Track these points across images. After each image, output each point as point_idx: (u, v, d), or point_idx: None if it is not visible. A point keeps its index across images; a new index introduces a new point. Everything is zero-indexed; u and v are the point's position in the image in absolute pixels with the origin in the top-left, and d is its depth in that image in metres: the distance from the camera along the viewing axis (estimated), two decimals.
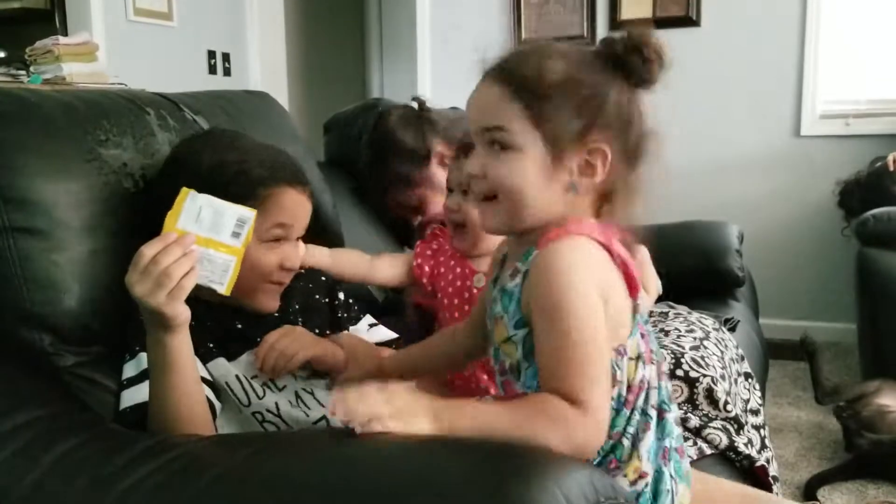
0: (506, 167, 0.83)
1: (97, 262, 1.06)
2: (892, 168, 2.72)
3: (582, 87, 0.82)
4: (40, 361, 1.01)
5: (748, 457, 1.23)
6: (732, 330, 1.72)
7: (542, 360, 0.79)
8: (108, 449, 0.85)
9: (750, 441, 1.28)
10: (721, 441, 1.23)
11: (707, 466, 1.19)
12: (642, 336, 0.86)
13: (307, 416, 1.08)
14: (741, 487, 1.11)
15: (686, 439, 1.22)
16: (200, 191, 1.06)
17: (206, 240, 0.94)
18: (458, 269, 1.38)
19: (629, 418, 0.84)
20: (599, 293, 0.79)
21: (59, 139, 1.07)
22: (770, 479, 1.25)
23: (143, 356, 1.02)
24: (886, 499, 1.60)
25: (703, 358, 1.37)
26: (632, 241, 0.88)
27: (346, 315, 1.26)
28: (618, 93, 0.83)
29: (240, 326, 1.11)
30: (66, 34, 3.57)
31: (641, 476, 0.83)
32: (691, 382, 1.32)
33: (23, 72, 3.40)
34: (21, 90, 1.10)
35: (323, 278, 1.28)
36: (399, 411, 0.74)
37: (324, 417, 1.08)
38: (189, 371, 0.95)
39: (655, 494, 0.84)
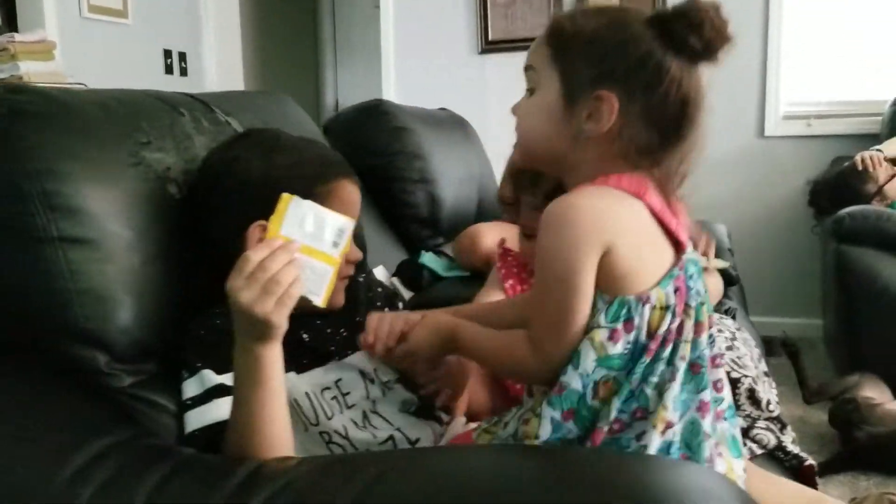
0: (526, 104, 0.91)
1: (148, 274, 0.99)
2: (860, 167, 2.81)
3: (608, 39, 0.85)
4: (95, 382, 0.94)
5: (797, 456, 1.24)
6: (733, 318, 1.74)
7: (530, 300, 0.89)
8: (202, 480, 0.80)
9: (794, 440, 1.29)
10: (769, 441, 1.24)
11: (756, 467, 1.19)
12: (677, 290, 0.85)
13: (374, 437, 1.03)
14: (805, 490, 1.12)
15: None
16: (255, 197, 1.01)
17: (308, 248, 0.89)
18: None
19: (650, 367, 0.83)
20: (597, 240, 0.80)
21: (101, 142, 1.00)
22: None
23: (206, 373, 0.96)
24: (884, 490, 1.64)
25: (739, 358, 1.38)
26: (676, 203, 0.88)
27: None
28: (651, 54, 0.83)
29: (306, 337, 1.05)
30: (11, 31, 3.40)
31: (669, 426, 0.82)
32: (733, 383, 1.31)
33: None
34: (52, 89, 1.02)
35: (380, 289, 1.24)
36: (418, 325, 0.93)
37: (391, 438, 1.04)
38: (279, 387, 0.89)
39: (689, 445, 0.84)
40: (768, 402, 1.31)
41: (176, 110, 1.15)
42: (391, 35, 4.06)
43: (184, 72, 4.12)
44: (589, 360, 0.82)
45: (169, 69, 4.03)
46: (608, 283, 0.82)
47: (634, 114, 0.84)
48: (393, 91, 4.03)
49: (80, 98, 1.03)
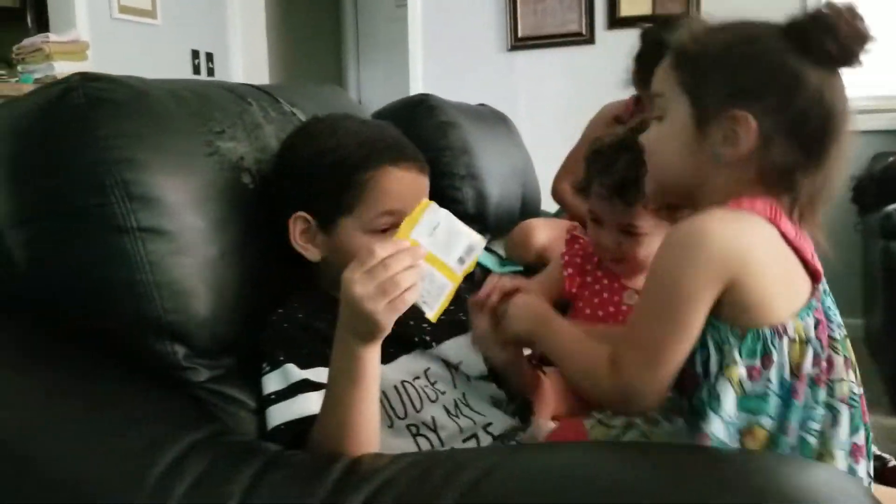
0: (654, 132, 0.86)
1: (225, 266, 0.96)
2: None
3: (737, 54, 0.80)
4: (172, 376, 0.92)
5: (879, 457, 1.19)
6: None
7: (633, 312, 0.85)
8: (297, 477, 0.76)
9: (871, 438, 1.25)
10: None
11: None
12: (818, 323, 0.81)
13: (461, 429, 1.00)
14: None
15: None
16: (300, 187, 1.01)
17: (434, 257, 0.86)
18: (607, 282, 1.24)
19: (807, 412, 0.79)
20: (721, 273, 0.76)
21: (177, 131, 0.97)
22: None
23: (290, 367, 0.93)
24: None
25: None
26: (812, 232, 0.84)
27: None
28: (786, 65, 0.79)
29: (394, 327, 1.02)
30: (39, 32, 3.40)
31: None
32: None
33: (3, 72, 3.22)
34: (126, 77, 0.99)
35: None
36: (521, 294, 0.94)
37: (474, 435, 1.00)
38: (374, 389, 0.86)
39: None
40: None
41: (244, 100, 1.12)
42: (419, 33, 4.04)
43: (211, 72, 4.12)
44: (729, 401, 0.78)
45: (196, 69, 4.03)
46: (736, 315, 0.77)
47: (773, 132, 0.79)
48: (420, 90, 4.01)
49: (154, 87, 1.00)
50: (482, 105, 2.48)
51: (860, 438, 0.82)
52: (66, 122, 0.91)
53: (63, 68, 2.95)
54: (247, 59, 4.34)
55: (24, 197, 0.92)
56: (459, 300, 1.15)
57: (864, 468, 0.82)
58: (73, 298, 0.92)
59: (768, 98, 0.78)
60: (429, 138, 1.87)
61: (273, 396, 0.92)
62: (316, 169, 1.01)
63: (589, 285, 1.25)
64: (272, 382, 0.93)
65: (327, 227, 1.02)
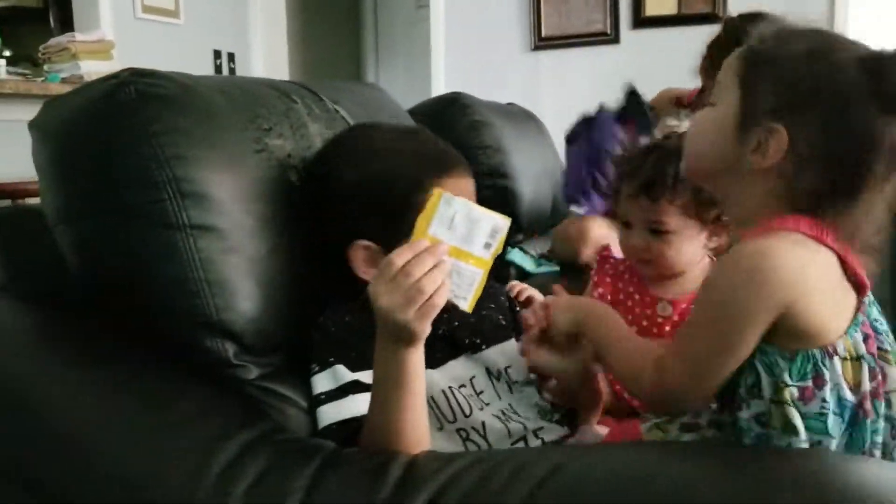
0: (703, 113, 0.86)
1: (273, 264, 0.95)
2: None
3: (801, 67, 0.77)
4: (222, 373, 0.91)
5: None
6: None
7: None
8: (357, 476, 0.75)
9: None
10: None
11: None
12: (867, 337, 0.79)
13: (510, 434, 0.98)
14: None
15: None
16: (348, 213, 0.98)
17: (457, 250, 0.83)
18: (638, 297, 1.23)
19: (872, 425, 0.77)
20: (780, 301, 0.73)
21: (226, 127, 0.96)
22: None
23: (339, 368, 0.92)
24: None
25: None
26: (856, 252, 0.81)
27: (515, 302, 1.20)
28: (848, 96, 0.75)
29: (441, 330, 1.01)
30: (62, 32, 3.42)
31: None
32: None
33: (27, 71, 3.24)
34: (174, 73, 0.99)
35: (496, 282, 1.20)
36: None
37: (523, 437, 0.99)
38: (420, 388, 0.85)
39: None
40: None
41: (289, 97, 1.11)
42: (441, 33, 4.04)
43: (232, 72, 4.14)
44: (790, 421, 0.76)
45: (218, 69, 4.04)
46: (789, 340, 0.75)
47: (806, 155, 0.76)
48: (443, 90, 4.00)
49: (202, 83, 1.00)
50: (511, 104, 2.47)
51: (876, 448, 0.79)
52: (117, 118, 0.90)
53: (89, 67, 2.97)
54: (267, 60, 4.35)
55: (76, 193, 0.92)
56: (498, 302, 1.14)
57: None
58: (125, 295, 0.91)
59: (811, 120, 0.76)
60: (462, 137, 1.86)
61: (323, 396, 0.91)
62: (368, 197, 0.97)
63: (622, 302, 1.24)
64: (322, 383, 0.92)
65: (392, 248, 0.94)
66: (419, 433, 0.85)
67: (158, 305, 0.90)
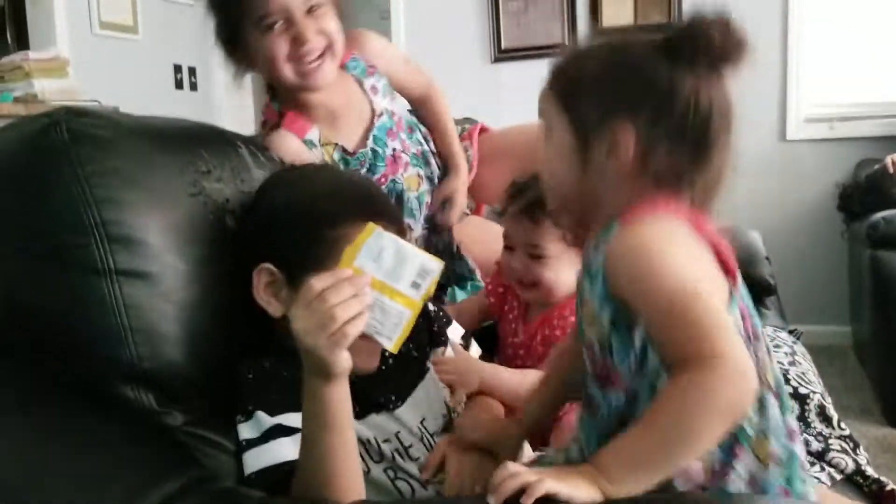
0: (545, 151, 0.86)
1: (202, 311, 0.94)
2: (891, 170, 2.76)
3: (611, 71, 0.82)
4: (150, 420, 0.89)
5: (877, 480, 1.18)
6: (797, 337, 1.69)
7: (659, 342, 0.74)
8: None
9: (868, 461, 1.24)
10: (847, 465, 1.18)
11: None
12: (743, 317, 0.80)
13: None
14: None
15: (812, 464, 1.17)
16: (268, 232, 0.96)
17: (382, 284, 0.83)
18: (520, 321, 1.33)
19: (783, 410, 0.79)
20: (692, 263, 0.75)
21: (161, 168, 0.95)
22: None
23: (260, 415, 0.91)
24: None
25: (803, 374, 1.33)
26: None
27: (440, 322, 1.17)
28: (659, 75, 0.78)
29: (355, 385, 0.93)
30: (19, 49, 3.36)
31: (772, 459, 0.76)
32: (802, 399, 1.27)
33: None
34: (113, 113, 0.97)
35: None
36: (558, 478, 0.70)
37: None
38: (346, 429, 0.83)
39: (789, 480, 0.77)
40: (839, 420, 1.26)
41: (233, 143, 1.10)
42: (402, 45, 4.02)
43: (194, 86, 4.10)
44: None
45: (179, 84, 4.00)
46: None
47: (654, 139, 0.79)
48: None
49: (141, 123, 0.99)
50: (466, 119, 2.47)
51: (792, 422, 0.80)
52: (47, 158, 0.89)
53: (43, 85, 2.92)
54: (229, 74, 4.30)
55: (2, 233, 0.90)
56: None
57: (801, 449, 0.81)
58: (47, 340, 0.89)
59: (644, 108, 0.79)
60: None
61: (244, 444, 0.90)
62: (285, 219, 0.96)
63: (504, 315, 1.35)
64: (246, 431, 0.91)
65: (294, 282, 0.91)
66: (350, 480, 0.84)
67: (79, 352, 0.88)
